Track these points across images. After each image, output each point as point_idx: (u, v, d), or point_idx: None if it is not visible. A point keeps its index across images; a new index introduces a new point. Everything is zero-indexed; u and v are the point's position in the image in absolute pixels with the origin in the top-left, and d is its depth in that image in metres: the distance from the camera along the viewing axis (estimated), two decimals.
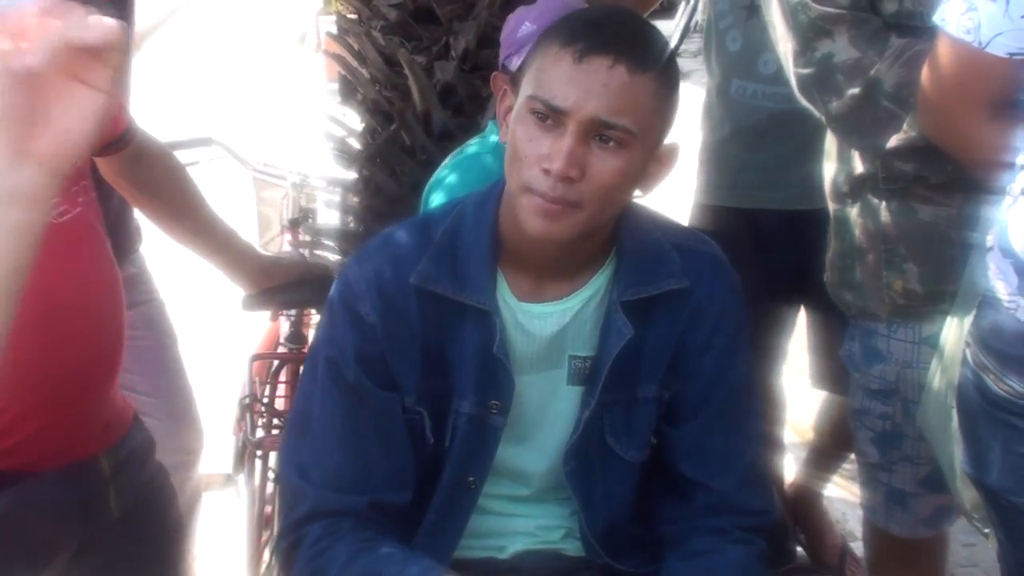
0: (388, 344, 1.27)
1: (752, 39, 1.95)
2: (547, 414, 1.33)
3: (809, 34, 1.48)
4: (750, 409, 1.38)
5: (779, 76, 1.70)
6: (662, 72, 1.18)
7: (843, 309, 1.67)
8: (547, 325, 1.29)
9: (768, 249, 2.03)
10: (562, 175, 1.14)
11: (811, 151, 1.76)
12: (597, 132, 1.15)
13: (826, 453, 2.44)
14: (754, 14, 1.88)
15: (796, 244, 1.98)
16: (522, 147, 1.18)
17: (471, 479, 1.34)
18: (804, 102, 1.55)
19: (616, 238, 1.29)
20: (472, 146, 1.73)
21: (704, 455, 1.33)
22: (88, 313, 1.33)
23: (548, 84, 1.16)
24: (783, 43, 1.55)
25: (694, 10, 2.39)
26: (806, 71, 1.50)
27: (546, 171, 1.15)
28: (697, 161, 2.18)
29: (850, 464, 2.28)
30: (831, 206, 1.66)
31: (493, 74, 1.64)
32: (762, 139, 2.02)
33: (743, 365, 1.35)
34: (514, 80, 1.46)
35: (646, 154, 1.20)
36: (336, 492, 1.27)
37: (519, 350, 1.29)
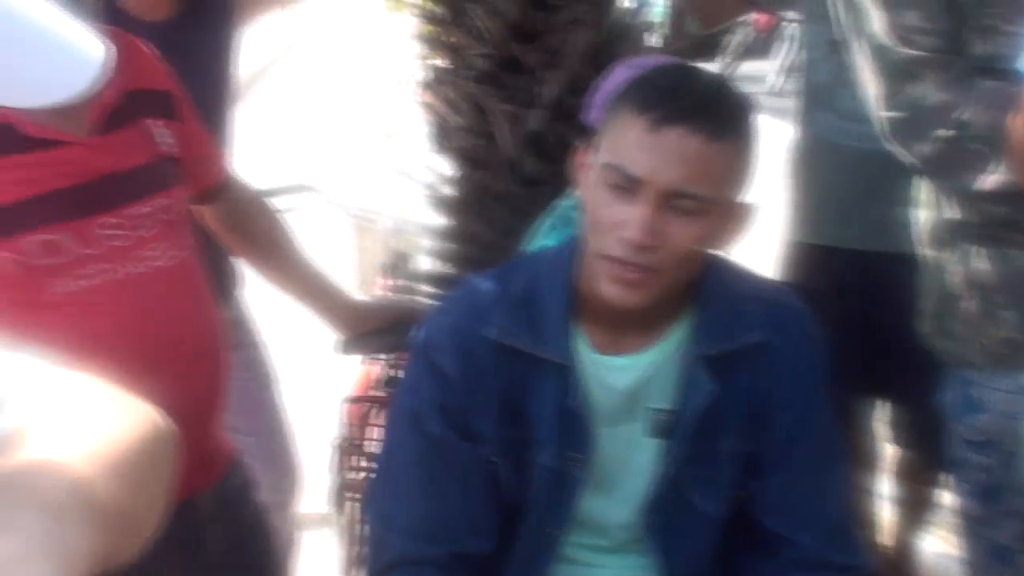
0: (467, 396, 1.28)
1: (835, 74, 1.95)
2: (627, 466, 1.33)
3: (896, 77, 1.47)
4: (835, 461, 1.35)
5: (857, 113, 1.69)
6: (740, 136, 1.17)
7: (939, 357, 1.64)
8: (625, 378, 1.29)
9: (844, 291, 2.02)
10: (639, 245, 1.14)
11: (886, 192, 1.74)
12: (674, 200, 1.14)
13: (917, 505, 2.38)
14: (836, 49, 1.87)
15: (869, 287, 1.98)
16: (599, 213, 1.18)
17: (551, 531, 1.34)
18: (891, 145, 1.53)
19: (697, 290, 1.29)
20: (567, 199, 1.74)
21: (789, 508, 1.31)
22: (192, 353, 1.38)
23: (623, 152, 1.16)
24: (869, 86, 1.54)
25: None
26: (893, 114, 1.49)
27: (623, 239, 1.15)
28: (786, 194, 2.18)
29: (951, 516, 2.21)
30: (924, 253, 1.63)
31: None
32: (838, 175, 2.01)
33: (826, 417, 1.33)
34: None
35: (723, 216, 1.20)
36: (418, 541, 1.29)
37: (598, 403, 1.29)
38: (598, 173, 1.19)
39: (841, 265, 2.06)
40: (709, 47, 10.83)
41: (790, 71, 2.51)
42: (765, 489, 1.32)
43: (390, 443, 1.39)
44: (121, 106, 1.33)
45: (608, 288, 1.19)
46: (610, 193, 1.17)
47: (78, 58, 0.52)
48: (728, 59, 10.91)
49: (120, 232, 1.31)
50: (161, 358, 1.32)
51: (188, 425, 1.40)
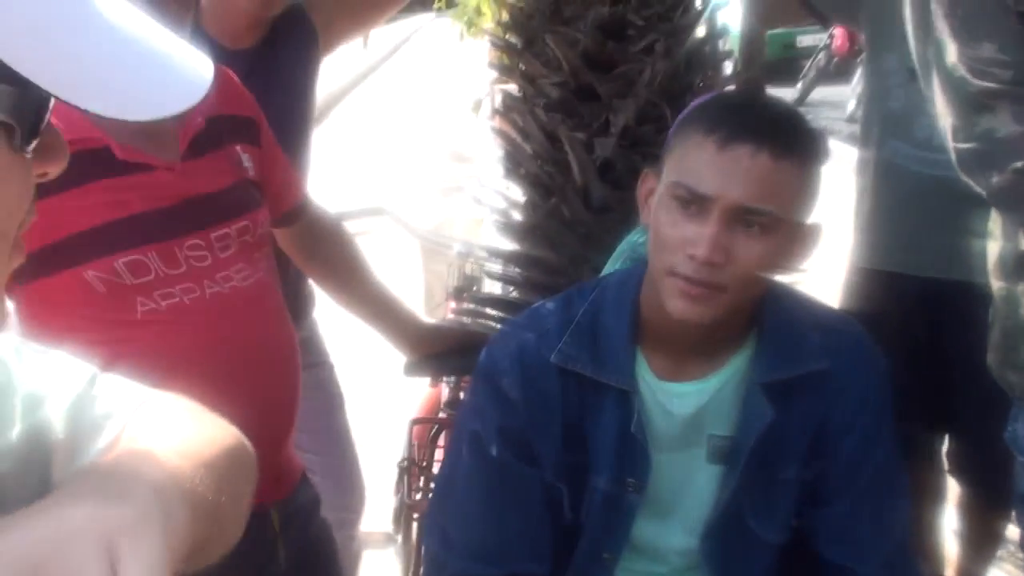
0: (529, 420, 1.30)
1: (912, 102, 1.94)
2: (686, 492, 1.33)
3: (970, 109, 1.46)
4: (897, 490, 1.34)
5: (932, 142, 1.68)
6: (807, 154, 1.18)
7: (1007, 390, 1.61)
8: (686, 404, 1.30)
9: (910, 318, 2.00)
10: (707, 261, 1.15)
11: (958, 220, 1.73)
12: (741, 218, 1.16)
13: (983, 539, 2.33)
14: (912, 78, 1.87)
15: (936, 315, 1.96)
16: (666, 232, 1.20)
17: (606, 555, 1.34)
18: (964, 177, 1.52)
19: (758, 318, 1.29)
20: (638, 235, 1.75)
21: (849, 538, 1.30)
22: (269, 371, 1.42)
23: (691, 170, 1.18)
24: (943, 117, 1.53)
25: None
26: (967, 146, 1.48)
27: (691, 256, 1.16)
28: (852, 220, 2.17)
29: (1018, 551, 2.17)
30: (995, 284, 1.61)
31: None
32: (908, 202, 2.00)
33: (888, 446, 1.32)
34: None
35: (790, 235, 1.21)
36: (476, 562, 1.31)
37: (658, 428, 1.30)
38: (665, 192, 1.21)
39: (908, 292, 2.04)
40: (785, 72, 10.76)
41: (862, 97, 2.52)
42: (825, 518, 1.32)
43: (452, 464, 1.41)
44: (207, 131, 1.39)
45: (674, 303, 1.19)
46: (677, 211, 1.19)
47: (190, 73, 0.55)
48: (804, 84, 10.83)
49: (203, 253, 1.36)
50: (239, 375, 1.36)
51: (262, 440, 1.44)
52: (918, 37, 1.60)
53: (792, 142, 1.17)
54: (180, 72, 0.55)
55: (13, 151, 0.51)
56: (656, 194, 1.25)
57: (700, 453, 1.31)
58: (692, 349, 1.29)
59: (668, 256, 1.19)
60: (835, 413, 1.29)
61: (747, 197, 1.15)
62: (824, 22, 2.32)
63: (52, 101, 0.52)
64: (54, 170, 0.56)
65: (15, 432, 0.66)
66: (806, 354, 1.29)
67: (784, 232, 1.19)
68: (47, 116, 0.52)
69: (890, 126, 2.06)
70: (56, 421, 0.70)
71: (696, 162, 1.18)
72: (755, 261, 1.17)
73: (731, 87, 2.30)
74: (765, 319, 1.29)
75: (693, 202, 1.17)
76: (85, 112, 0.50)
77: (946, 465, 2.22)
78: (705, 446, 1.31)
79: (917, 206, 2.00)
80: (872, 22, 2.14)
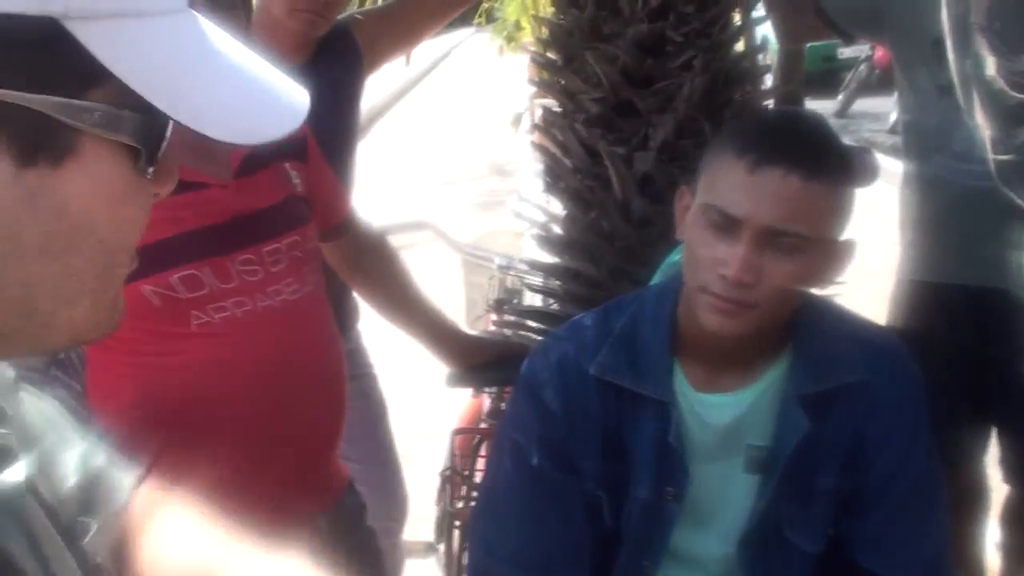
0: (569, 430, 1.32)
1: (947, 116, 1.95)
2: (724, 501, 1.35)
3: (1009, 121, 1.47)
4: (934, 502, 1.35)
5: (972, 153, 1.70)
6: (838, 175, 1.20)
7: None
8: (723, 415, 1.31)
9: (957, 327, 2.02)
10: (737, 282, 1.17)
11: (1002, 229, 1.75)
12: (771, 239, 1.17)
13: (1020, 549, 2.31)
14: (947, 93, 1.88)
15: (983, 323, 1.98)
16: (699, 251, 1.22)
17: (645, 563, 1.36)
18: (1003, 188, 1.53)
19: (794, 330, 1.31)
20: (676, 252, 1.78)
21: (885, 548, 1.31)
22: (317, 382, 1.47)
23: (722, 192, 1.20)
24: (983, 129, 1.54)
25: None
26: (1006, 158, 1.49)
27: (722, 276, 1.18)
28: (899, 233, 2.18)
29: None
30: None
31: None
32: (952, 213, 2.02)
33: (924, 457, 1.33)
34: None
35: (822, 254, 1.22)
36: (518, 569, 1.33)
37: (696, 439, 1.32)
38: (698, 212, 1.24)
39: (955, 301, 2.05)
40: (826, 84, 10.71)
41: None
42: (862, 528, 1.33)
43: (493, 474, 1.44)
44: (257, 149, 1.43)
45: (708, 318, 1.22)
46: (710, 231, 1.21)
47: (291, 100, 0.60)
48: (846, 96, 10.76)
49: (255, 268, 1.40)
50: (289, 385, 1.40)
51: (311, 448, 1.49)
52: (957, 50, 1.62)
53: (822, 163, 1.18)
54: (282, 99, 0.59)
55: (137, 173, 0.56)
56: (691, 211, 1.28)
57: (738, 463, 1.33)
58: (729, 361, 1.31)
59: (701, 274, 1.22)
60: (872, 425, 1.31)
61: (777, 219, 1.17)
62: (848, 39, 2.33)
63: (171, 127, 0.56)
64: (165, 191, 0.61)
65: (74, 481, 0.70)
66: (842, 366, 1.30)
67: (816, 250, 1.20)
68: (166, 141, 0.57)
69: (929, 140, 2.07)
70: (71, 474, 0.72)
71: (727, 184, 1.20)
72: (786, 280, 1.19)
73: (770, 101, 2.32)
74: (801, 331, 1.31)
75: (725, 224, 1.19)
76: (204, 137, 0.55)
77: (1000, 473, 2.22)
78: (743, 456, 1.33)
79: (961, 217, 2.01)
80: (898, 39, 2.15)
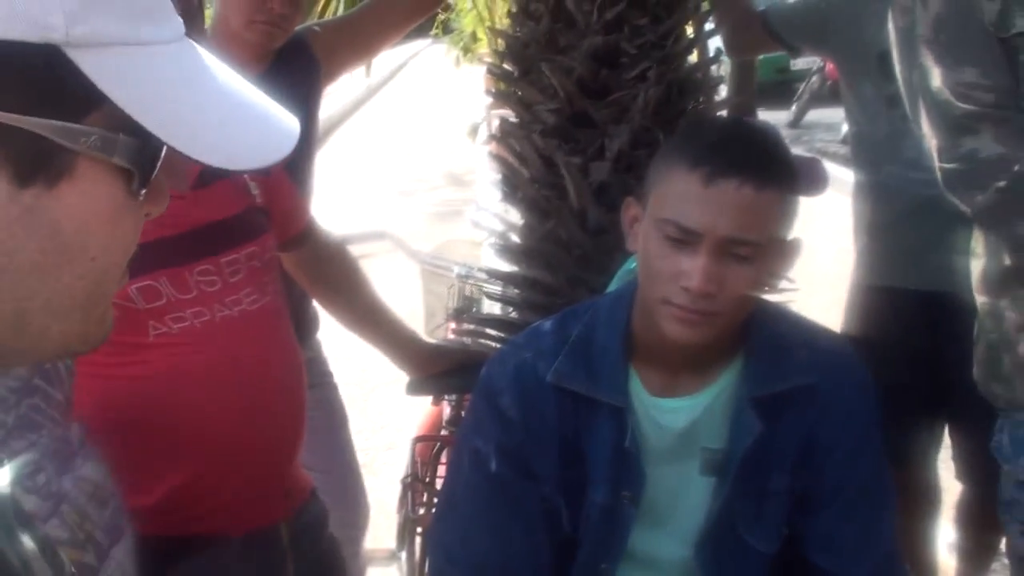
0: (527, 437, 1.34)
1: (895, 127, 2.02)
2: (680, 503, 1.37)
3: (954, 131, 1.52)
4: (884, 502, 1.38)
5: (921, 162, 1.75)
6: (786, 182, 1.23)
7: (991, 401, 1.66)
8: (678, 419, 1.34)
9: (910, 329, 2.10)
10: (702, 293, 1.20)
11: (952, 235, 1.81)
12: (729, 248, 1.20)
13: (974, 548, 2.37)
14: (894, 104, 1.94)
15: (934, 324, 2.07)
16: (657, 264, 1.24)
17: (604, 566, 1.38)
18: (949, 195, 1.57)
19: (748, 333, 1.34)
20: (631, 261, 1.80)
21: (836, 547, 1.34)
22: (277, 391, 1.47)
23: (677, 206, 1.22)
24: (929, 139, 1.59)
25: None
26: (951, 166, 1.53)
27: (685, 288, 1.21)
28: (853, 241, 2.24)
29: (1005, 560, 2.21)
30: (979, 299, 1.66)
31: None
32: (903, 220, 2.09)
33: (875, 458, 1.36)
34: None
35: (773, 256, 1.26)
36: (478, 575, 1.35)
37: (652, 443, 1.34)
38: (653, 226, 1.25)
39: (908, 305, 2.13)
40: (779, 94, 10.85)
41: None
42: (813, 526, 1.36)
43: (453, 481, 1.46)
44: None
45: (671, 327, 1.24)
46: (667, 245, 1.23)
47: (283, 126, 0.62)
48: (799, 107, 10.91)
49: (213, 278, 1.41)
50: (249, 394, 1.41)
51: (272, 458, 1.50)
52: (903, 62, 1.67)
53: (773, 172, 1.22)
54: (274, 125, 0.62)
55: (130, 195, 0.59)
56: (641, 222, 1.30)
57: (694, 465, 1.35)
58: (684, 366, 1.33)
59: (661, 287, 1.24)
60: (822, 427, 1.33)
61: (735, 229, 1.19)
62: (794, 53, 2.39)
63: (164, 150, 0.58)
64: (157, 211, 0.63)
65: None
66: (793, 369, 1.33)
67: (769, 254, 1.24)
68: (159, 164, 0.59)
69: (878, 150, 2.13)
70: None
71: (682, 198, 1.22)
72: (746, 286, 1.23)
73: (723, 112, 2.37)
74: (755, 335, 1.34)
75: (683, 237, 1.21)
76: (198, 162, 0.57)
77: (953, 470, 2.27)
78: (698, 458, 1.35)
79: (911, 224, 2.08)
80: (843, 53, 2.21)
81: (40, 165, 0.54)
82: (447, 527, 1.43)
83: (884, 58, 1.95)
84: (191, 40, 0.60)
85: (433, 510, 2.35)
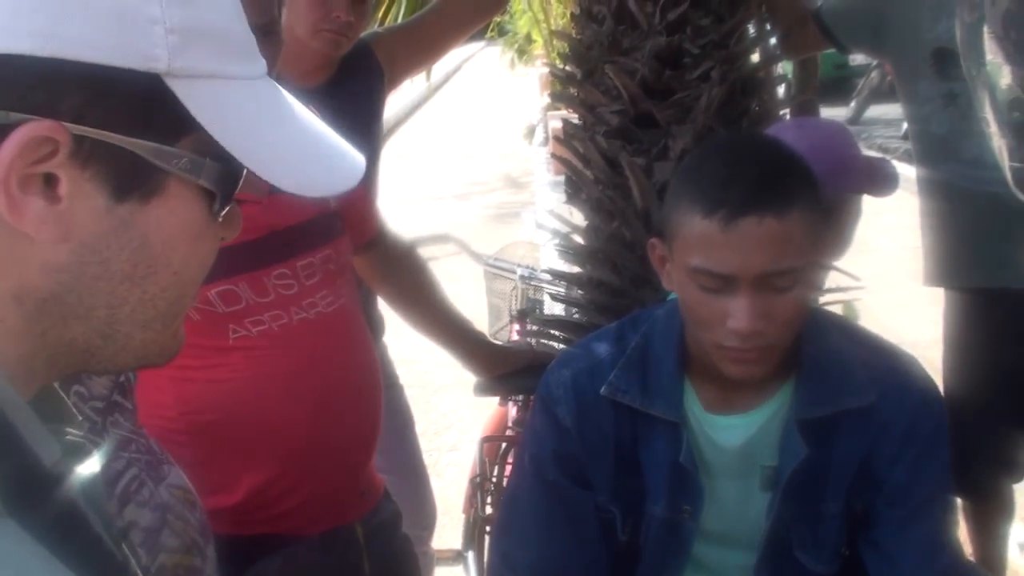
0: (583, 446, 1.34)
1: (954, 125, 1.98)
2: (743, 517, 1.36)
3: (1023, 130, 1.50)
4: (944, 515, 1.34)
5: (982, 160, 1.73)
6: (807, 199, 1.18)
7: None
8: (734, 436, 1.32)
9: (994, 332, 2.06)
10: (752, 333, 1.17)
11: (1013, 233, 1.78)
12: (768, 281, 1.17)
13: None
14: (951, 103, 1.91)
15: (1008, 324, 2.03)
16: (700, 311, 1.21)
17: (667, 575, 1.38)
18: (1020, 195, 1.56)
19: (802, 350, 1.30)
20: None
21: (898, 560, 1.30)
22: (353, 392, 1.50)
23: (704, 254, 1.17)
24: (996, 138, 1.57)
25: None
26: (1021, 165, 1.52)
27: (734, 331, 1.18)
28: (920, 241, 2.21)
29: None
30: None
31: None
32: (971, 219, 2.05)
33: (938, 472, 1.32)
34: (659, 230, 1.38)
35: (815, 267, 1.24)
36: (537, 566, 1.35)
37: (709, 458, 1.33)
38: (685, 274, 1.21)
39: (977, 302, 2.08)
40: (838, 90, 10.70)
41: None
42: (873, 542, 1.33)
43: (514, 486, 1.47)
44: None
45: (732, 369, 1.22)
46: (704, 292, 1.20)
47: (350, 158, 0.68)
48: (858, 103, 10.76)
49: (290, 282, 1.44)
50: (326, 396, 1.44)
51: (349, 458, 1.53)
52: (970, 59, 1.65)
53: (790, 193, 1.17)
54: (342, 158, 0.67)
55: (211, 215, 0.64)
56: (671, 266, 1.26)
57: (755, 481, 1.33)
58: (740, 383, 1.30)
59: (710, 333, 1.21)
60: (881, 446, 1.30)
61: (768, 264, 1.16)
62: (844, 51, 2.36)
63: (243, 175, 0.64)
64: (230, 235, 0.69)
65: None
66: (850, 390, 1.29)
67: (810, 270, 1.21)
68: (238, 188, 0.65)
69: (937, 149, 2.09)
70: None
71: (706, 246, 1.17)
72: (794, 313, 1.20)
73: (786, 111, 2.35)
74: (809, 353, 1.30)
75: (718, 285, 1.18)
76: (274, 187, 0.62)
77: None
78: (759, 475, 1.33)
79: (977, 222, 2.04)
80: (898, 50, 2.17)
81: (136, 182, 0.58)
82: (507, 533, 1.44)
83: (940, 55, 1.92)
84: (272, 80, 0.66)
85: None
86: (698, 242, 1.18)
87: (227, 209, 0.66)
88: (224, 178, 0.62)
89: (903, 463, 1.30)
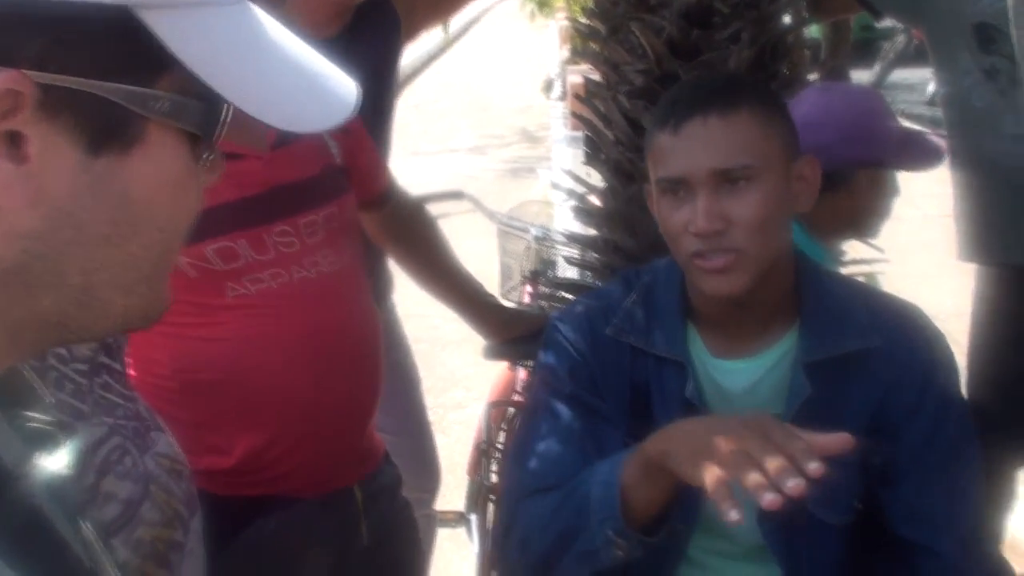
0: (599, 371, 1.35)
1: (995, 101, 1.90)
2: None
3: None
4: (969, 467, 1.31)
5: (1022, 136, 1.66)
6: (756, 102, 1.24)
7: None
8: (739, 380, 1.32)
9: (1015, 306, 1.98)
10: (708, 231, 1.21)
11: None
12: (723, 181, 1.21)
13: None
14: (992, 77, 1.84)
15: None
16: (667, 224, 1.27)
17: (680, 526, 1.35)
18: None
19: (804, 297, 1.31)
20: None
21: (922, 517, 1.28)
22: (354, 354, 1.45)
23: (662, 163, 1.26)
24: None
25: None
26: None
27: (695, 234, 1.22)
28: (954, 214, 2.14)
29: None
30: None
31: None
32: (1006, 195, 1.96)
33: (958, 422, 1.30)
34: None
35: (781, 177, 1.24)
36: (547, 479, 1.31)
37: (715, 403, 1.32)
38: (654, 191, 1.29)
39: (1015, 279, 2.01)
40: (863, 53, 10.53)
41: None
42: (897, 497, 1.30)
43: (528, 423, 1.43)
44: None
45: (705, 282, 1.25)
46: (668, 203, 1.26)
47: (342, 90, 0.60)
48: (883, 67, 10.59)
49: (291, 239, 1.38)
50: (326, 356, 1.39)
51: (348, 421, 1.48)
52: (1021, 35, 1.57)
53: (735, 97, 1.23)
54: (334, 89, 0.60)
55: (194, 160, 0.57)
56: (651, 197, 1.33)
57: None
58: (741, 326, 1.31)
59: (679, 242, 1.26)
60: (896, 395, 1.29)
61: (716, 161, 1.21)
62: (877, 16, 2.27)
63: (226, 113, 0.57)
64: (213, 180, 0.61)
65: None
66: (853, 332, 1.30)
67: (771, 175, 1.23)
68: (224, 128, 0.58)
69: (978, 123, 2.01)
70: None
71: (663, 155, 1.26)
72: (754, 211, 1.21)
73: (813, 76, 2.27)
74: (810, 297, 1.31)
75: (675, 189, 1.24)
76: (263, 123, 0.55)
77: None
78: None
79: (1015, 199, 1.96)
80: (936, 22, 2.08)
81: (113, 132, 0.52)
82: (523, 466, 1.40)
83: (982, 29, 1.84)
84: (249, 3, 0.58)
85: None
86: (657, 155, 1.27)
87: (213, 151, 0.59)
88: (208, 118, 0.56)
89: (922, 412, 1.29)
